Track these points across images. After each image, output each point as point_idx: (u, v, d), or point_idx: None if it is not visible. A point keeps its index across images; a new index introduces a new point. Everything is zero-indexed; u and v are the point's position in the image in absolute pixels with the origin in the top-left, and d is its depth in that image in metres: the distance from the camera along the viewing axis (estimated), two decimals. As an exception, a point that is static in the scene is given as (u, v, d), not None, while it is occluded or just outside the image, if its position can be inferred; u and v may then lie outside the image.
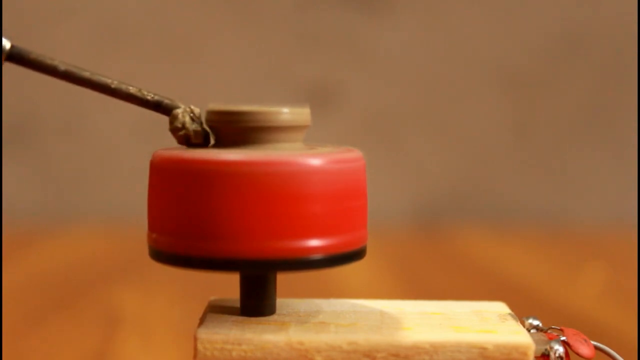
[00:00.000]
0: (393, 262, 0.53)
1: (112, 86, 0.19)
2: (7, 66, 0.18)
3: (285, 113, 0.18)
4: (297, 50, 0.69)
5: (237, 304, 0.19)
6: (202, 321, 0.18)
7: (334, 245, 0.17)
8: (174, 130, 0.19)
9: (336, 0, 0.69)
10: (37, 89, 0.68)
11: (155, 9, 0.68)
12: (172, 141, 0.20)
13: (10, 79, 0.66)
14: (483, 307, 0.20)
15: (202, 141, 0.19)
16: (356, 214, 0.18)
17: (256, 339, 0.17)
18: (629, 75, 0.70)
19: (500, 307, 0.20)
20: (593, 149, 0.71)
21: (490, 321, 0.19)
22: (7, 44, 0.18)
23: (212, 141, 0.19)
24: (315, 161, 0.17)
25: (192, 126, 0.19)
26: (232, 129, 0.18)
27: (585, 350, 0.19)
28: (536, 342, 0.18)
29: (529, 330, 0.19)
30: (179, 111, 0.19)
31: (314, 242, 0.17)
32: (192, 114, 0.19)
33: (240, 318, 0.19)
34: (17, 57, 0.18)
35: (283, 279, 0.20)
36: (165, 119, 0.19)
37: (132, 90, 0.19)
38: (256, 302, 0.19)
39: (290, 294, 0.21)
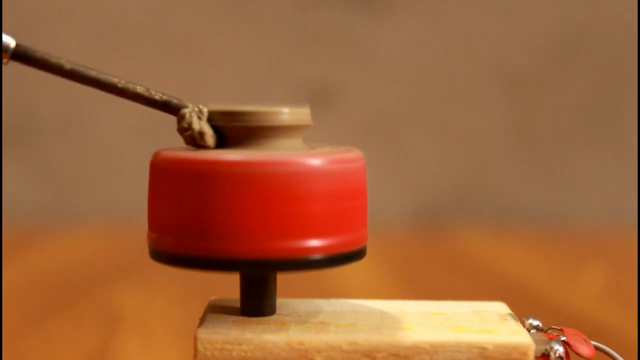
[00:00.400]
0: (393, 262, 0.53)
1: (119, 85, 0.19)
2: (7, 66, 0.18)
3: (286, 113, 0.18)
4: (297, 50, 0.69)
5: (237, 304, 0.19)
6: (202, 321, 0.18)
7: (334, 245, 0.17)
8: (181, 130, 0.18)
9: (336, 0, 0.69)
10: (37, 89, 0.68)
11: (155, 9, 0.68)
12: (172, 141, 0.20)
13: (10, 79, 0.66)
14: (483, 307, 0.20)
15: (207, 143, 0.18)
16: (356, 214, 0.18)
17: (256, 339, 0.17)
18: (629, 75, 0.70)
19: (500, 307, 0.20)
20: (593, 149, 0.71)
21: (490, 321, 0.19)
22: (11, 42, 0.18)
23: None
24: (315, 161, 0.17)
25: (197, 127, 0.18)
26: (232, 129, 0.18)
27: (585, 350, 0.19)
28: (536, 342, 0.18)
29: (529, 330, 0.19)
30: (186, 111, 0.19)
31: (314, 242, 0.17)
32: (199, 114, 0.18)
33: (240, 318, 0.19)
34: (22, 55, 0.18)
35: (283, 279, 0.20)
36: (166, 119, 0.19)
37: (140, 89, 0.19)
38: (256, 302, 0.19)
39: (290, 294, 0.21)
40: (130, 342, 0.34)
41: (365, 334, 0.18)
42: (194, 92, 0.66)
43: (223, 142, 0.19)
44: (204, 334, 0.17)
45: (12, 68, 0.19)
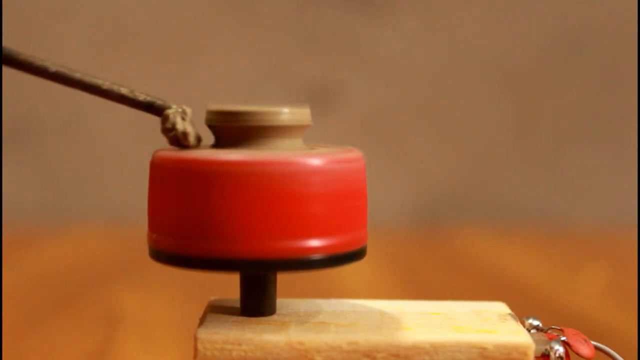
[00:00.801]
0: (393, 262, 0.53)
1: (104, 87, 0.19)
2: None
3: (285, 113, 0.18)
4: (297, 50, 0.69)
5: (237, 304, 0.19)
6: (202, 321, 0.18)
7: (334, 245, 0.17)
8: (165, 131, 0.18)
9: (336, 1, 0.69)
10: (37, 89, 0.68)
11: (155, 9, 0.68)
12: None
13: (10, 79, 0.66)
14: (483, 307, 0.20)
15: (191, 143, 0.18)
16: (356, 214, 0.18)
17: (256, 339, 0.17)
18: (629, 75, 0.70)
19: (500, 307, 0.20)
20: (593, 149, 0.71)
21: (490, 321, 0.19)
22: None
23: (211, 141, 0.19)
24: (315, 161, 0.17)
25: (181, 127, 0.18)
26: (232, 129, 0.18)
27: (585, 350, 0.19)
28: (536, 342, 0.18)
29: (529, 330, 0.19)
30: (170, 112, 0.19)
31: (314, 242, 0.17)
32: (183, 115, 0.19)
33: (240, 318, 0.19)
34: (6, 58, 0.18)
35: (283, 279, 0.20)
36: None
37: (124, 91, 0.19)
38: (256, 302, 0.19)
39: (290, 294, 0.21)
40: (130, 342, 0.34)
41: (365, 334, 0.18)
42: (194, 92, 0.66)
43: (223, 142, 0.19)
44: (204, 334, 0.17)
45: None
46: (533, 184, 0.70)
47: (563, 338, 0.19)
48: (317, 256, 0.17)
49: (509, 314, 0.19)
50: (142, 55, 0.68)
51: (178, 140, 0.18)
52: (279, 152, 0.17)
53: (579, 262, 0.55)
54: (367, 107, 0.69)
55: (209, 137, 0.19)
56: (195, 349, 0.17)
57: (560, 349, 0.18)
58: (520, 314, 0.20)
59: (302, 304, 0.20)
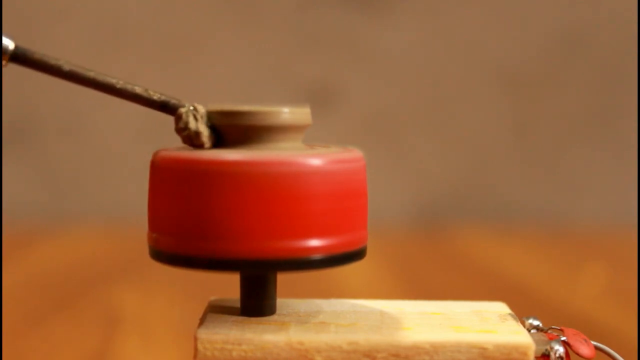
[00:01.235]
0: (393, 262, 0.53)
1: (118, 86, 0.19)
2: (8, 66, 0.18)
3: (286, 113, 0.18)
4: (297, 50, 0.69)
5: (237, 304, 0.19)
6: (202, 321, 0.18)
7: (334, 245, 0.17)
8: (178, 130, 0.18)
9: (336, 1, 0.69)
10: (38, 89, 0.68)
11: (155, 9, 0.68)
12: (172, 141, 0.19)
13: (11, 79, 0.66)
14: (483, 307, 0.20)
15: (204, 143, 0.18)
16: (356, 214, 0.18)
17: (256, 339, 0.17)
18: (629, 75, 0.70)
19: (500, 307, 0.20)
20: (593, 149, 0.71)
21: (490, 321, 0.19)
22: (10, 44, 0.18)
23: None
24: (315, 161, 0.17)
25: (193, 127, 0.18)
26: (232, 129, 0.18)
27: (585, 350, 0.19)
28: (536, 342, 0.18)
29: (529, 331, 0.19)
30: (182, 111, 0.18)
31: (314, 242, 0.17)
32: (195, 114, 0.18)
33: (241, 318, 0.18)
34: (20, 57, 0.18)
35: (283, 279, 0.20)
36: (166, 119, 0.19)
37: (138, 90, 0.19)
38: (256, 302, 0.19)
39: (290, 294, 0.21)
40: (130, 342, 0.34)
41: (365, 334, 0.18)
42: (194, 92, 0.66)
43: (223, 142, 0.19)
44: (204, 334, 0.17)
45: (12, 68, 0.19)
46: (533, 184, 0.70)
47: (563, 338, 0.19)
48: (317, 256, 0.17)
49: (509, 314, 0.19)
50: (142, 56, 0.68)
51: (191, 139, 0.18)
52: (279, 152, 0.17)
53: (579, 262, 0.55)
54: (367, 107, 0.69)
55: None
56: (195, 349, 0.17)
57: (560, 349, 0.18)
58: (520, 314, 0.20)
59: (302, 304, 0.20)
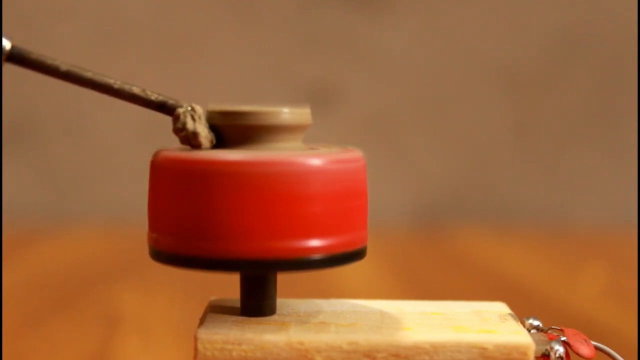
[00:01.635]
0: (393, 262, 0.53)
1: (115, 87, 0.19)
2: (8, 66, 0.18)
3: (286, 113, 0.18)
4: (297, 50, 0.69)
5: (237, 304, 0.19)
6: (202, 321, 0.18)
7: (334, 245, 0.17)
8: (176, 131, 0.18)
9: (337, 1, 0.69)
10: (38, 89, 0.68)
11: (155, 9, 0.68)
12: (172, 141, 0.19)
13: (11, 79, 0.66)
14: (483, 307, 0.20)
15: (201, 144, 0.18)
16: (356, 214, 0.18)
17: (256, 339, 0.17)
18: (629, 75, 0.70)
19: (500, 307, 0.20)
20: (593, 149, 0.71)
21: (490, 321, 0.19)
22: (7, 44, 0.18)
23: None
24: (315, 161, 0.17)
25: (191, 127, 0.18)
26: (232, 129, 0.18)
27: (585, 350, 0.19)
28: (536, 342, 0.18)
29: (529, 331, 0.19)
30: (180, 111, 0.18)
31: (314, 242, 0.17)
32: (193, 114, 0.18)
33: (241, 318, 0.18)
34: (17, 57, 0.18)
35: (283, 279, 0.20)
36: (166, 119, 0.19)
37: (136, 90, 0.19)
38: (256, 302, 0.19)
39: (290, 294, 0.21)
40: (130, 342, 0.34)
41: (365, 334, 0.18)
42: (194, 92, 0.66)
43: (223, 142, 0.19)
44: (204, 334, 0.17)
45: (12, 68, 0.19)
46: (533, 184, 0.70)
47: (563, 338, 0.19)
48: (317, 256, 0.17)
49: (509, 314, 0.19)
50: (142, 56, 0.68)
51: (188, 140, 0.18)
52: (279, 152, 0.17)
53: (579, 262, 0.55)
54: (367, 107, 0.69)
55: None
56: (195, 349, 0.17)
57: (560, 349, 0.18)
58: (520, 314, 0.20)
59: (302, 304, 0.20)
